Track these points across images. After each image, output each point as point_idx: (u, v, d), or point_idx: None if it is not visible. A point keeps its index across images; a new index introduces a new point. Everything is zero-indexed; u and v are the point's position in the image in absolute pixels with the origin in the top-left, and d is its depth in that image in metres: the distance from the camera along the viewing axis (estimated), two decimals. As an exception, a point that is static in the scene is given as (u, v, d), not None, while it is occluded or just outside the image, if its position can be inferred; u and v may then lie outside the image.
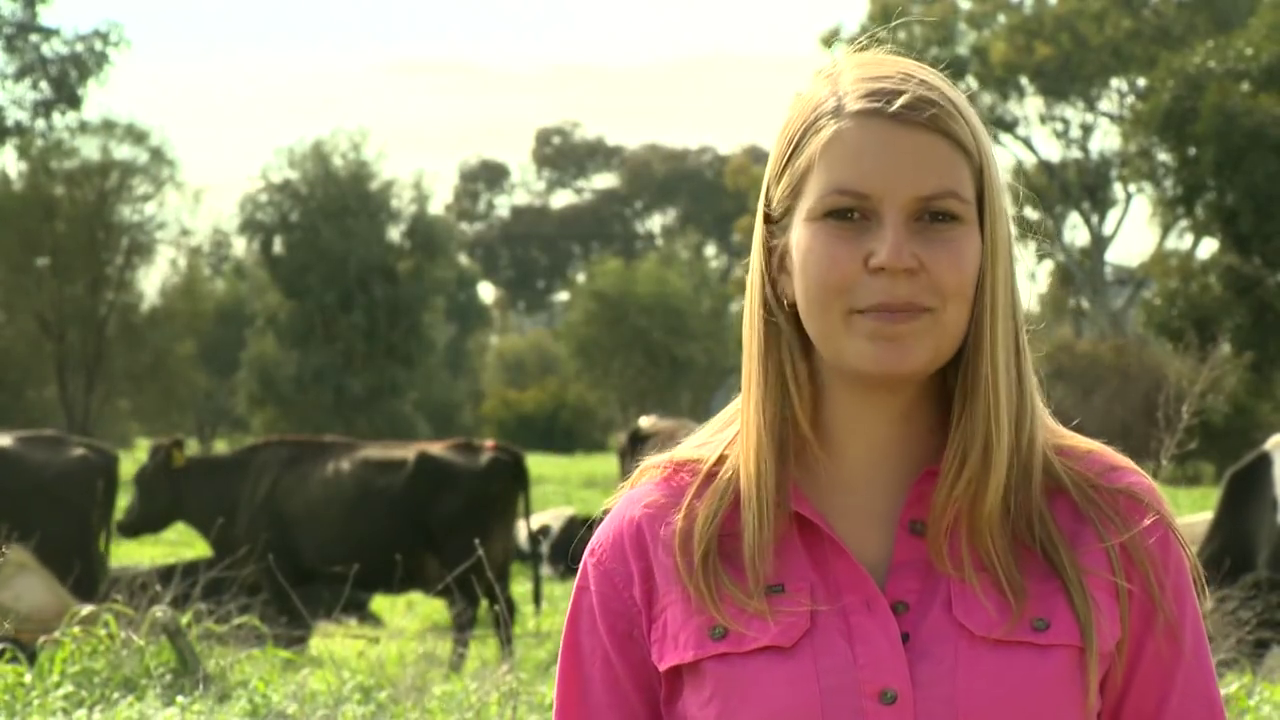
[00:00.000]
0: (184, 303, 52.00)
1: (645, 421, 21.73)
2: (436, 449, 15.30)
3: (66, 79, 56.38)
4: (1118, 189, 57.55)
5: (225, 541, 14.23)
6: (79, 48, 56.68)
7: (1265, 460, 11.12)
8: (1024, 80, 56.17)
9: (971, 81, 56.19)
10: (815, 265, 2.04)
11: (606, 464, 45.11)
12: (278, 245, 51.13)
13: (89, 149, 50.32)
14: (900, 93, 2.05)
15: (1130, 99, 55.03)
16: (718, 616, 2.06)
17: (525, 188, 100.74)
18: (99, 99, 59.25)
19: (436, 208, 59.00)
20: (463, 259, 76.82)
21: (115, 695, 7.88)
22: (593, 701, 2.14)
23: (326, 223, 50.22)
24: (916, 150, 2.04)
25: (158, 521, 15.76)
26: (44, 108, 56.57)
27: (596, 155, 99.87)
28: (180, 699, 7.65)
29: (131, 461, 37.39)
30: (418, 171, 56.94)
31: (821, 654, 2.03)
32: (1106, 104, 57.48)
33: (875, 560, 2.07)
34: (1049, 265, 59.97)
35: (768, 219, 2.12)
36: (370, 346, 50.79)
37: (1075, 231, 58.63)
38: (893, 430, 2.09)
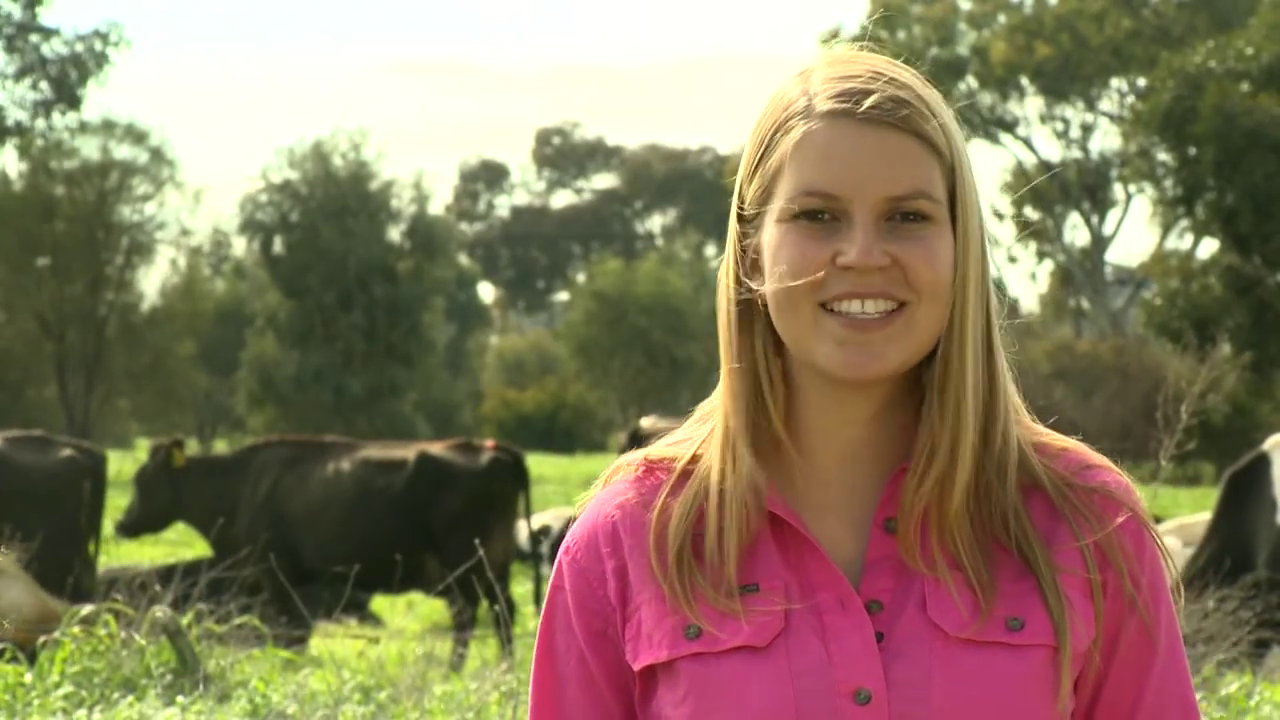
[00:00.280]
0: (184, 303, 52.01)
1: (646, 422, 21.73)
2: (437, 449, 15.30)
3: (66, 79, 56.37)
4: (1118, 189, 57.56)
5: (225, 541, 14.23)
6: (79, 48, 56.68)
7: (1264, 460, 11.12)
8: (1024, 80, 56.16)
9: (971, 81, 56.23)
10: (785, 264, 2.04)
11: (606, 464, 45.00)
12: (278, 245, 51.13)
13: (89, 149, 50.36)
14: (869, 92, 2.04)
15: (1130, 99, 55.02)
16: (691, 616, 2.06)
17: (525, 188, 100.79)
18: (99, 99, 59.32)
19: (436, 208, 59.05)
20: (463, 259, 76.83)
21: (115, 695, 7.88)
22: (567, 701, 2.13)
23: (326, 223, 50.22)
24: (886, 151, 2.03)
25: (158, 521, 15.76)
26: (44, 108, 56.56)
27: (596, 155, 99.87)
28: (180, 699, 7.65)
29: (131, 461, 37.41)
30: (418, 171, 56.99)
31: (796, 654, 2.03)
32: (1106, 104, 57.48)
33: (849, 559, 2.07)
34: (1049, 265, 59.99)
35: (741, 218, 2.12)
36: (370, 346, 50.80)
37: (1075, 231, 58.64)
38: (867, 429, 2.09)
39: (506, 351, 74.68)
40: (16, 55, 56.89)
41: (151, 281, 58.07)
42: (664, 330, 57.98)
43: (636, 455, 2.18)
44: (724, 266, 2.13)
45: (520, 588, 16.77)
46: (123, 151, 50.18)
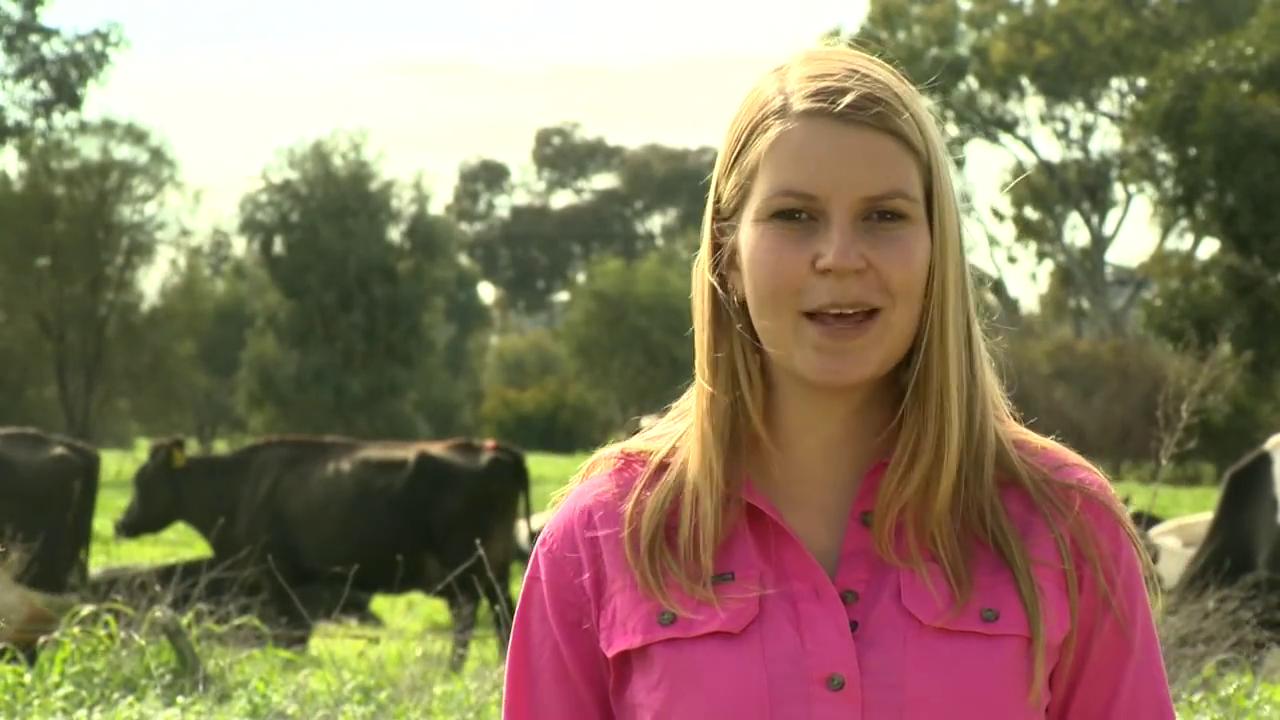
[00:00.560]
0: (184, 303, 52.02)
1: (646, 421, 21.74)
2: (436, 449, 15.30)
3: (66, 79, 56.37)
4: (1118, 189, 57.55)
5: (225, 542, 14.23)
6: (79, 48, 56.68)
7: (1265, 460, 11.13)
8: (1024, 80, 56.16)
9: (971, 81, 56.23)
10: (764, 268, 2.04)
11: (606, 464, 45.03)
12: (278, 245, 51.13)
13: (89, 149, 50.36)
14: (845, 91, 2.04)
15: (1130, 99, 55.03)
16: (665, 603, 2.06)
17: (525, 188, 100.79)
18: (99, 99, 59.28)
19: (436, 208, 59.04)
20: (463, 259, 76.82)
21: (115, 695, 7.88)
22: (540, 691, 2.14)
23: (326, 223, 50.22)
24: (863, 150, 2.03)
25: (158, 521, 15.76)
26: (44, 108, 56.55)
27: (596, 155, 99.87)
28: (180, 699, 7.65)
29: (131, 461, 37.39)
30: (418, 171, 57.01)
31: (769, 640, 2.03)
32: (1106, 104, 57.48)
33: (826, 551, 2.08)
34: (1049, 265, 59.99)
35: (718, 215, 2.13)
36: (370, 346, 50.80)
37: (1075, 231, 58.63)
38: (844, 426, 2.09)
39: (506, 351, 74.68)
40: (16, 55, 56.89)
41: (151, 281, 58.13)
42: (664, 330, 57.97)
43: (614, 449, 2.19)
44: (699, 263, 2.14)
45: (520, 588, 16.76)
46: (123, 151, 50.22)
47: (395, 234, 52.13)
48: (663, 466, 2.14)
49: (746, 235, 2.07)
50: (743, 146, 2.09)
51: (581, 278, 71.50)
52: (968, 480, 2.07)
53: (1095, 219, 57.94)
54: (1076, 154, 57.88)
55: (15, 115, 56.29)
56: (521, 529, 17.12)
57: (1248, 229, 39.05)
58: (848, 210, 2.03)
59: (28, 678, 8.06)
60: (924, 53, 54.91)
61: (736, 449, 2.09)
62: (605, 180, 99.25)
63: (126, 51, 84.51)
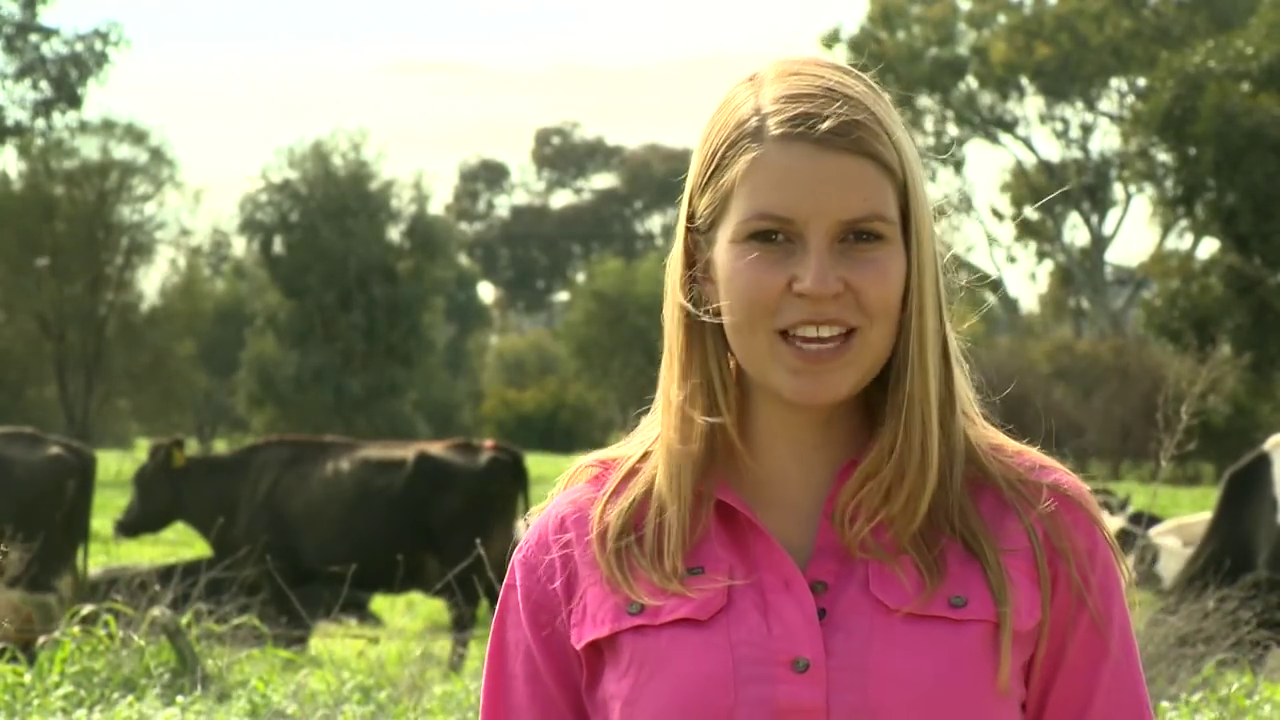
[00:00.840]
0: (184, 303, 52.05)
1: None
2: (436, 449, 15.30)
3: (66, 79, 56.41)
4: (1118, 189, 57.56)
5: (225, 541, 14.22)
6: (79, 48, 56.71)
7: (1264, 460, 11.12)
8: (1024, 80, 56.18)
9: (971, 81, 56.24)
10: (740, 289, 2.06)
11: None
12: (277, 245, 51.14)
13: (89, 149, 50.39)
14: (823, 116, 2.05)
15: (1130, 99, 55.04)
16: (634, 595, 2.09)
17: (525, 188, 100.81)
18: (99, 99, 59.29)
19: (436, 208, 59.08)
20: (462, 259, 76.83)
21: (115, 695, 7.88)
22: (514, 697, 2.17)
23: (326, 223, 50.23)
24: (841, 175, 2.04)
25: (158, 521, 15.76)
26: (44, 107, 56.59)
27: (596, 155, 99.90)
28: (180, 699, 7.65)
29: (131, 461, 37.36)
30: (418, 171, 57.00)
31: (736, 626, 2.05)
32: (1106, 104, 57.49)
33: (798, 549, 2.10)
34: (1049, 265, 59.99)
35: (692, 228, 2.14)
36: (370, 346, 50.81)
37: (1075, 231, 58.65)
38: (817, 434, 2.12)
39: (506, 351, 74.69)
40: (16, 55, 56.92)
41: (151, 281, 58.19)
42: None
43: (591, 457, 2.22)
44: (672, 273, 2.15)
45: (520, 588, 16.75)
46: (123, 151, 50.25)
47: (395, 234, 52.14)
48: (634, 471, 2.16)
49: (723, 255, 2.09)
50: (718, 165, 2.09)
51: (581, 278, 71.52)
52: (942, 487, 2.09)
53: (1095, 219, 57.95)
54: (1076, 154, 57.90)
55: (15, 115, 56.34)
56: (521, 529, 17.12)
57: (1248, 229, 39.06)
58: (825, 234, 2.04)
59: (28, 677, 8.06)
60: (924, 53, 54.92)
61: (706, 452, 2.12)
62: (605, 180, 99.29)
63: (126, 51, 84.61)
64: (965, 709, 2.03)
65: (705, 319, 2.11)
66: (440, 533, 14.61)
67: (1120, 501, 16.68)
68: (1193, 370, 8.59)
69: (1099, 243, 57.61)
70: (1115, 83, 56.77)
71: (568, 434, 59.58)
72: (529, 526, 2.24)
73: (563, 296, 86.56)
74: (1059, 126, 57.48)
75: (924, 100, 55.66)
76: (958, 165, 59.08)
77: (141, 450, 35.66)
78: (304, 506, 14.94)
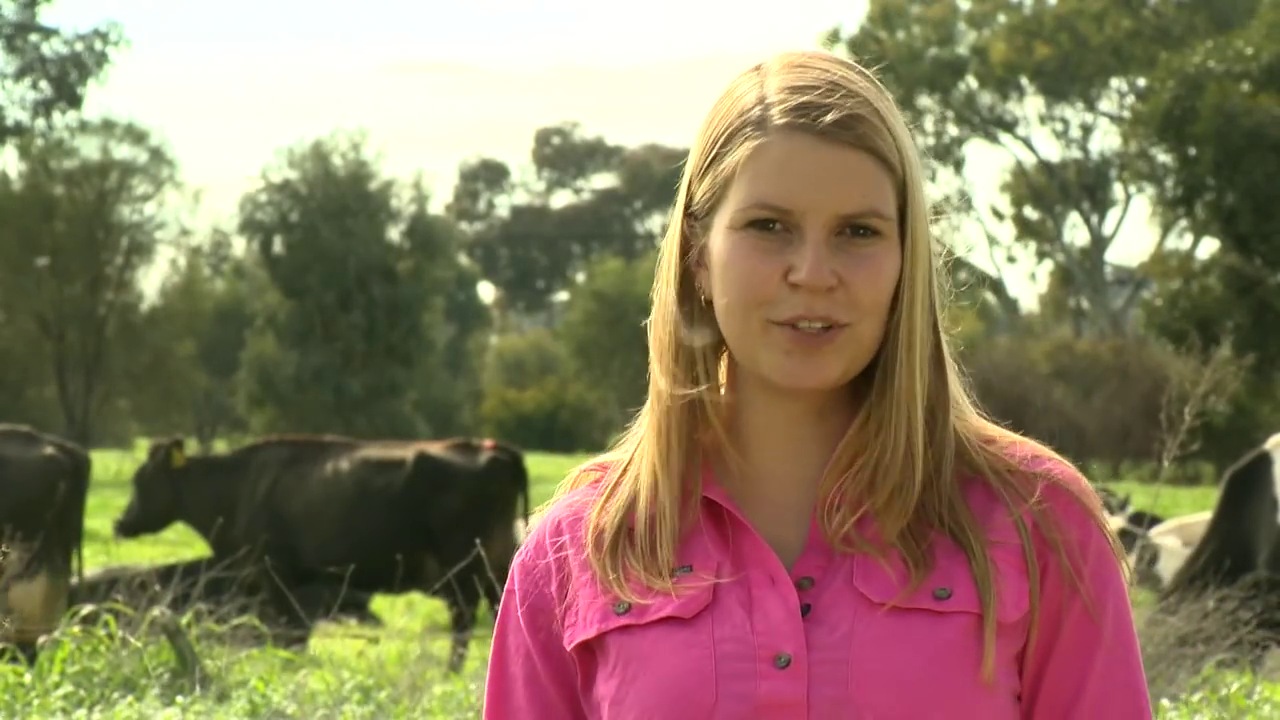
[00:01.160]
0: (184, 303, 52.04)
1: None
2: (436, 449, 15.30)
3: (66, 79, 56.40)
4: (1118, 189, 57.57)
5: (225, 541, 14.22)
6: (79, 47, 56.70)
7: (1265, 460, 11.12)
8: (1024, 80, 56.18)
9: (971, 81, 56.23)
10: (736, 277, 2.07)
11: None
12: (277, 245, 51.14)
13: (89, 149, 50.38)
14: (827, 108, 2.06)
15: (1130, 99, 55.04)
16: (622, 594, 2.10)
17: (525, 188, 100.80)
18: (99, 99, 59.29)
19: (436, 208, 59.07)
20: (463, 259, 76.82)
21: (115, 695, 7.87)
22: (515, 700, 2.19)
23: (326, 223, 50.23)
24: (841, 168, 2.05)
25: (157, 521, 15.75)
26: (44, 107, 56.59)
27: (596, 155, 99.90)
28: (180, 699, 7.65)
29: (131, 461, 37.32)
30: (417, 171, 56.99)
31: (720, 623, 2.06)
32: (1106, 104, 57.49)
33: (787, 545, 2.11)
34: (1049, 265, 60.00)
35: (689, 214, 2.14)
36: (370, 346, 50.81)
37: (1075, 231, 58.65)
38: (806, 429, 2.13)
39: (506, 351, 74.70)
40: (16, 55, 56.91)
41: (151, 281, 58.22)
42: (664, 330, 57.91)
43: (590, 461, 2.25)
44: (665, 262, 2.17)
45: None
46: (123, 151, 50.24)
47: (395, 234, 52.14)
48: (626, 473, 2.18)
49: (719, 242, 2.09)
50: (718, 152, 2.10)
51: (581, 278, 71.54)
52: (930, 482, 2.09)
53: (1095, 219, 57.95)
54: (1076, 154, 57.91)
55: (15, 115, 56.33)
56: (521, 529, 17.12)
57: (1248, 229, 39.06)
58: (822, 226, 2.05)
59: (28, 677, 8.06)
60: (924, 53, 54.91)
61: (694, 447, 2.13)
62: (605, 180, 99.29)
63: (126, 51, 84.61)
64: (948, 701, 2.03)
65: (697, 309, 2.13)
66: (440, 533, 14.61)
67: (1120, 501, 16.67)
68: (1194, 370, 8.58)
69: (1099, 243, 57.62)
70: (1115, 83, 56.78)
71: (568, 434, 59.59)
72: (530, 530, 2.25)
73: (563, 296, 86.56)
74: (1059, 126, 57.50)
75: (924, 100, 55.65)
76: (958, 165, 59.07)
77: (141, 450, 35.66)
78: (304, 506, 14.93)
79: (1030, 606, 2.07)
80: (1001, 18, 55.92)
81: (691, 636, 2.07)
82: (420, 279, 51.38)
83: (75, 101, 56.25)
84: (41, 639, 8.44)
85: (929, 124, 57.11)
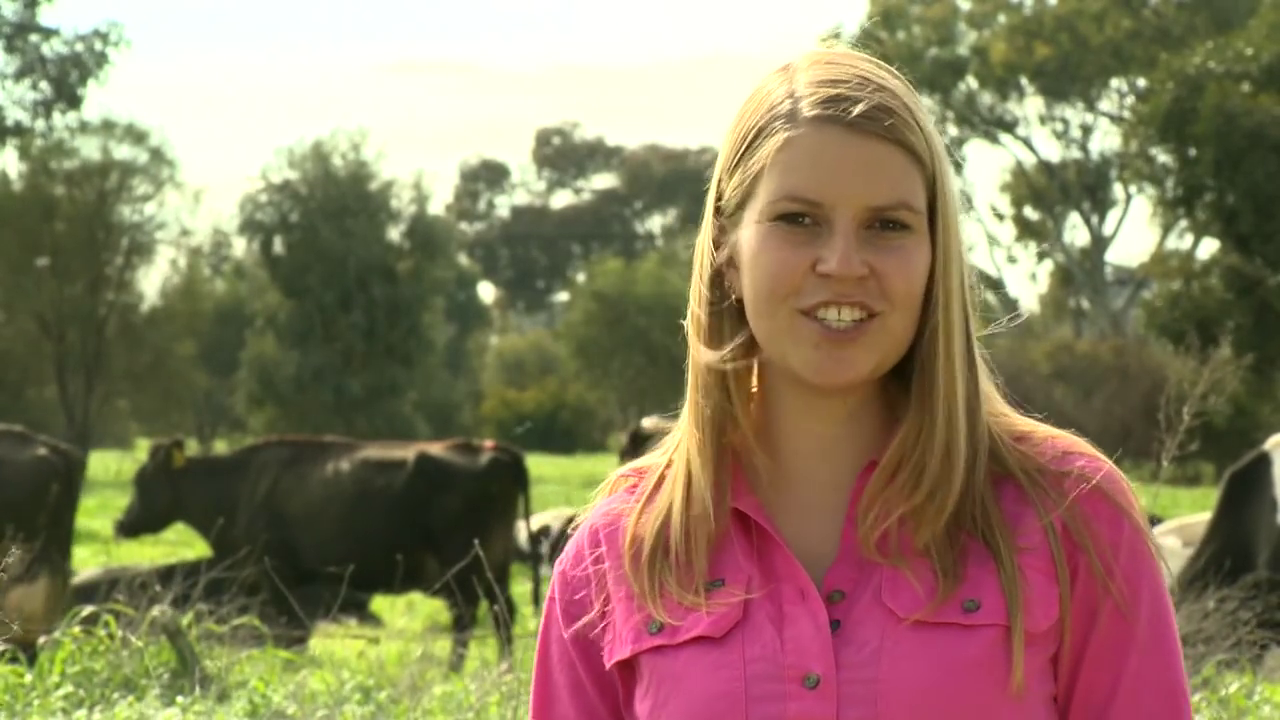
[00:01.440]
0: (184, 303, 52.02)
1: (648, 422, 21.72)
2: (436, 449, 15.29)
3: (66, 79, 56.38)
4: (1118, 189, 57.56)
5: (225, 542, 14.22)
6: (79, 48, 56.68)
7: (1265, 460, 11.11)
8: (1024, 80, 56.16)
9: (971, 81, 56.22)
10: (764, 268, 2.06)
11: (606, 464, 45.08)
12: (277, 245, 51.13)
13: (89, 149, 50.36)
14: (856, 100, 2.06)
15: (1130, 99, 55.03)
16: (655, 612, 2.10)
17: (525, 188, 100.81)
18: (99, 99, 59.29)
19: (436, 208, 59.07)
20: (463, 259, 76.83)
21: (115, 695, 7.88)
22: (560, 707, 2.19)
23: (326, 223, 50.22)
24: (871, 160, 2.05)
25: (157, 521, 15.75)
26: (44, 108, 56.57)
27: (596, 155, 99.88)
28: (180, 699, 7.65)
29: (131, 461, 37.31)
30: (418, 171, 56.98)
31: (750, 642, 2.06)
32: (1106, 104, 57.48)
33: (821, 553, 2.10)
34: (1049, 265, 59.99)
35: (718, 212, 2.14)
36: (370, 346, 50.80)
37: (1075, 231, 58.64)
38: (838, 429, 2.12)
39: (506, 351, 74.70)
40: (16, 55, 56.89)
41: (151, 281, 58.17)
42: (664, 330, 57.93)
43: (628, 466, 2.24)
44: (696, 264, 2.15)
45: (520, 588, 16.77)
46: (123, 151, 50.21)
47: (395, 234, 52.13)
48: (664, 478, 2.17)
49: (748, 235, 2.09)
50: (748, 147, 2.10)
51: (581, 278, 71.51)
52: (964, 481, 2.08)
53: (1095, 219, 57.94)
54: (1076, 154, 57.89)
55: (15, 115, 56.31)
56: (521, 529, 17.11)
57: (1248, 229, 39.04)
58: (852, 219, 2.04)
59: (28, 678, 8.06)
60: (924, 53, 54.90)
61: (725, 453, 2.12)
62: (605, 180, 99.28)
63: (126, 51, 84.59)
64: (977, 715, 2.03)
65: (728, 311, 2.11)
66: (440, 533, 14.60)
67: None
68: (1194, 371, 8.58)
69: (1099, 243, 57.61)
70: (1115, 83, 56.76)
71: (568, 434, 59.58)
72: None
73: (563, 296, 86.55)
74: (1059, 127, 57.48)
75: (924, 100, 55.55)
76: (958, 166, 58.76)
77: (141, 450, 35.67)
78: (304, 507, 14.93)
79: (1061, 612, 2.06)
80: (1002, 18, 55.90)
81: (722, 657, 2.06)
82: (420, 279, 51.38)
83: (75, 102, 56.23)
84: (42, 639, 8.44)
85: (929, 124, 56.96)
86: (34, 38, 56.95)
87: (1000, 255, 64.40)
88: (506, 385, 64.99)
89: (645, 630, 2.11)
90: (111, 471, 43.21)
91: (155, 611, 8.46)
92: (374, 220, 51.08)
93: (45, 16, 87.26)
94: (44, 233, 48.52)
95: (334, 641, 12.57)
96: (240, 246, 59.16)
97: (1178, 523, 14.14)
